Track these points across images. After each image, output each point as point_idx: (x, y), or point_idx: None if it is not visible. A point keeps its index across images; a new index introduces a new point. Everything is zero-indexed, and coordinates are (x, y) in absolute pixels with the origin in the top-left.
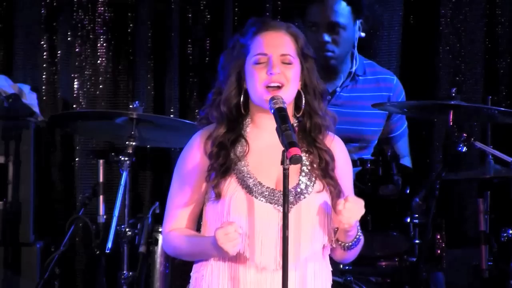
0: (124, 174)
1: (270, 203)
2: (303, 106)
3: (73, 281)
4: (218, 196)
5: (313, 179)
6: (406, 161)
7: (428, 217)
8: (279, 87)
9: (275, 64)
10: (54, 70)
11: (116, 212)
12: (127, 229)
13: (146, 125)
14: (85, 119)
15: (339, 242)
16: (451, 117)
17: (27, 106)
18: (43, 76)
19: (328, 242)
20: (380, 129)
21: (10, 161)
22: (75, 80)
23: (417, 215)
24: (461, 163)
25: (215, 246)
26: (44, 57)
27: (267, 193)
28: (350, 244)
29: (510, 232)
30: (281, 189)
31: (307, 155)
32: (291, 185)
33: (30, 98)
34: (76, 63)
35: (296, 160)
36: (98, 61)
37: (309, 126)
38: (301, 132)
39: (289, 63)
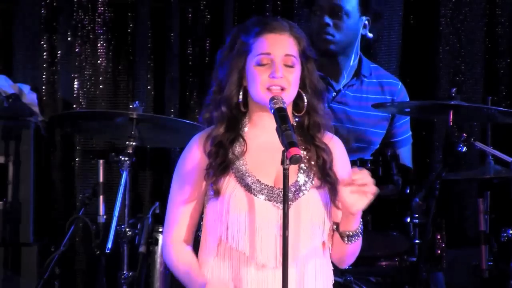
0: (124, 174)
1: (269, 200)
2: (305, 104)
3: (73, 281)
4: (217, 193)
5: (311, 176)
6: None
7: (428, 217)
8: (281, 90)
9: (278, 68)
10: (54, 70)
11: (116, 212)
12: (127, 229)
13: (146, 125)
14: (85, 119)
15: (341, 232)
16: (451, 117)
17: (27, 106)
18: (43, 76)
19: (329, 230)
20: (383, 133)
21: (10, 161)
22: (75, 80)
23: (417, 215)
24: (461, 163)
25: None
26: (44, 57)
27: (266, 190)
28: (352, 233)
29: (510, 232)
30: (280, 187)
31: (304, 152)
32: (290, 182)
33: (30, 98)
34: (76, 63)
35: (296, 160)
36: (98, 61)
37: (308, 123)
38: (299, 129)
39: (292, 66)
